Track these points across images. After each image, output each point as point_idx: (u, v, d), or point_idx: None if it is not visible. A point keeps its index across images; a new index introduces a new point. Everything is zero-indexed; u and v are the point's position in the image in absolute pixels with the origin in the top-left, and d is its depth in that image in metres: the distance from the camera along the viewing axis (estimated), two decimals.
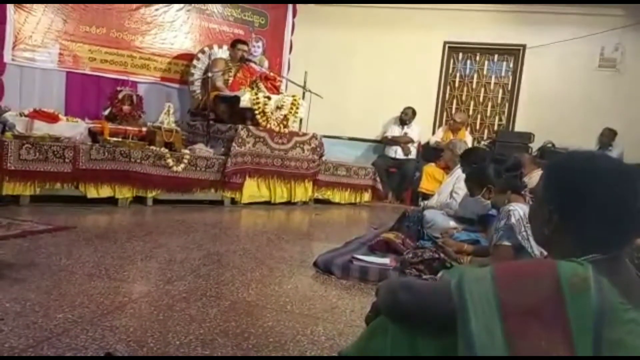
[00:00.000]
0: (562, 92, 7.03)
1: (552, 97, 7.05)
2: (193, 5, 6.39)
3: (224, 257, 3.06)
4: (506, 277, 1.00)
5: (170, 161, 4.50)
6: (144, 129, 5.03)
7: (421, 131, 7.34)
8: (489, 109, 7.68)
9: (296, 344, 1.93)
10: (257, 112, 5.23)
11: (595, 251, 1.02)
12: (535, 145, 6.80)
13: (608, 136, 6.56)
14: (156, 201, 4.54)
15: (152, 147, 4.56)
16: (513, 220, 2.73)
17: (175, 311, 2.12)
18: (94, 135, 4.81)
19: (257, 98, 5.24)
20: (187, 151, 4.78)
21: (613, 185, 1.06)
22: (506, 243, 2.75)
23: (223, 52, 6.30)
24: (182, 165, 4.58)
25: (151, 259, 2.87)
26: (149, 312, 2.10)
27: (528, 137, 6.92)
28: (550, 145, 6.52)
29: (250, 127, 5.14)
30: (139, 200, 4.48)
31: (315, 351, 1.88)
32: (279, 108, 5.38)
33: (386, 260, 3.13)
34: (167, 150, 4.56)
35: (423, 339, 1.11)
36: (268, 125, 5.30)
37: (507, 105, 7.57)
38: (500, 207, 2.91)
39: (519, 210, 2.74)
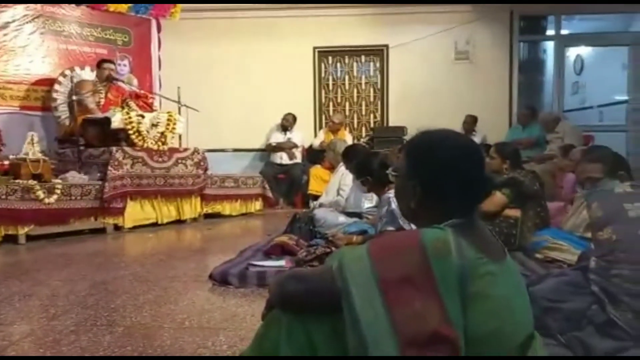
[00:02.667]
0: (426, 85, 7.56)
1: (418, 91, 7.55)
2: (47, 27, 5.98)
3: (112, 285, 2.91)
4: (379, 252, 1.09)
5: (40, 193, 4.17)
6: (6, 162, 4.61)
7: (303, 135, 7.50)
8: (363, 107, 8.04)
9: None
10: (131, 132, 5.02)
11: (453, 217, 1.14)
12: (409, 137, 7.23)
13: (470, 123, 7.16)
14: (30, 237, 4.17)
15: (17, 180, 4.20)
16: (393, 206, 2.90)
17: (64, 345, 1.98)
18: None
19: (130, 117, 5.03)
20: (58, 180, 4.46)
21: (462, 157, 1.20)
22: (390, 228, 2.92)
23: (87, 74, 5.98)
24: (55, 196, 4.27)
25: (31, 297, 2.65)
26: (34, 351, 1.96)
27: (401, 130, 7.34)
28: None
29: (126, 148, 4.92)
30: (9, 239, 4.10)
31: None
32: (154, 126, 5.21)
33: (282, 262, 3.17)
34: (35, 182, 4.22)
35: (315, 323, 1.15)
36: (145, 145, 5.11)
37: (379, 102, 7.97)
38: (381, 194, 3.10)
39: None
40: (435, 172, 1.20)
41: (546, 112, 6.85)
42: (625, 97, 7.08)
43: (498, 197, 3.60)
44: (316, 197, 6.07)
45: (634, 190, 2.00)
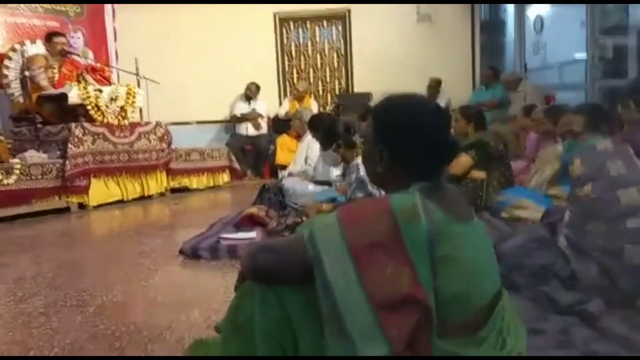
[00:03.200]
0: (389, 50, 7.51)
1: (382, 56, 7.49)
2: None
3: (81, 264, 2.86)
4: (349, 219, 1.09)
5: None
6: None
7: (268, 105, 7.41)
8: (327, 74, 7.97)
9: (172, 332, 1.88)
10: (89, 107, 4.85)
11: (421, 180, 1.15)
12: (374, 103, 7.22)
13: (434, 86, 7.18)
14: None
15: None
16: (362, 172, 2.92)
17: (34, 327, 1.95)
18: None
19: (87, 92, 4.86)
20: (16, 160, 4.30)
21: (428, 121, 1.21)
22: (359, 195, 2.94)
23: (38, 48, 5.69)
24: (14, 177, 4.13)
25: None
26: (3, 335, 1.91)
27: (367, 96, 7.31)
28: None
29: (86, 124, 4.76)
30: None
31: (194, 334, 1.85)
32: (113, 100, 5.05)
33: (253, 234, 3.16)
34: None
35: (288, 293, 1.15)
36: (105, 120, 4.96)
37: (343, 69, 7.91)
38: (349, 161, 3.10)
39: None
40: (402, 137, 1.20)
41: (508, 73, 6.93)
42: (584, 55, 7.21)
43: (464, 159, 3.65)
44: (284, 167, 6.05)
45: (615, 147, 2.03)
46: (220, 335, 1.40)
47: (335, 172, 4.03)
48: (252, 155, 7.10)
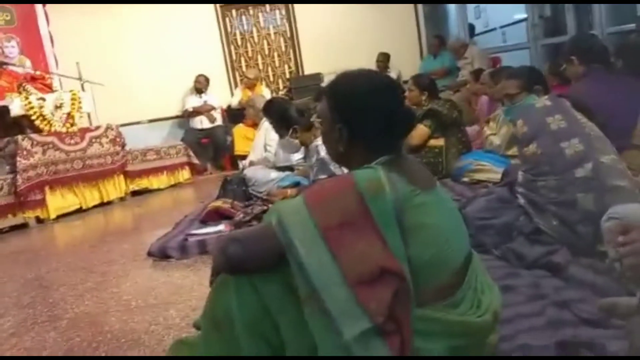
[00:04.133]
0: (335, 29, 7.48)
1: (329, 36, 7.46)
2: None
3: (46, 279, 2.77)
4: (315, 200, 1.10)
5: None
6: None
7: (220, 96, 7.29)
8: (276, 59, 7.89)
9: (151, 335, 1.87)
10: (34, 117, 4.67)
11: (382, 154, 1.17)
12: (326, 83, 7.21)
13: (383, 60, 7.22)
14: None
15: None
16: (322, 154, 2.93)
17: (6, 350, 1.90)
18: None
19: (30, 102, 4.67)
20: None
21: (382, 94, 1.23)
22: (322, 176, 2.95)
23: None
24: None
25: None
26: None
27: (318, 77, 7.30)
28: None
29: (33, 135, 4.58)
30: None
31: (173, 334, 1.85)
32: (58, 107, 4.87)
33: (220, 227, 3.14)
34: None
35: (263, 282, 1.15)
36: (52, 129, 4.78)
37: (291, 52, 7.84)
38: (308, 144, 3.10)
39: None
40: (358, 113, 1.22)
41: (453, 40, 7.03)
42: (524, 15, 7.35)
43: (421, 130, 3.71)
44: (244, 157, 5.98)
45: (552, 103, 2.09)
46: (200, 332, 1.39)
47: (296, 157, 4.03)
48: (210, 148, 6.99)
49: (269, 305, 1.15)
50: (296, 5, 7.60)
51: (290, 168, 4.07)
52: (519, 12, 7.61)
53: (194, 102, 7.09)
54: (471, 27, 7.64)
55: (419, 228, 1.10)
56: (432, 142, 3.78)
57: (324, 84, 7.19)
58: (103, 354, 1.76)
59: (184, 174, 6.09)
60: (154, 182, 5.68)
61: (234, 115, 7.14)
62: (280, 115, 3.32)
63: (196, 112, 7.02)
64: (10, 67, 5.31)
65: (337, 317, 1.01)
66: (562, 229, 1.96)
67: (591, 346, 1.27)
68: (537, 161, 2.03)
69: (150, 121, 7.27)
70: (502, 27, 8.12)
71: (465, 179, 3.49)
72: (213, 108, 7.07)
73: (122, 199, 5.27)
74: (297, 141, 3.23)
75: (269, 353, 1.17)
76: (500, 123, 3.63)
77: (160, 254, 2.87)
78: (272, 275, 1.15)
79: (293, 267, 1.06)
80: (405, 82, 4.25)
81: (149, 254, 2.91)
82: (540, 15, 6.82)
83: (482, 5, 8.63)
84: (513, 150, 3.46)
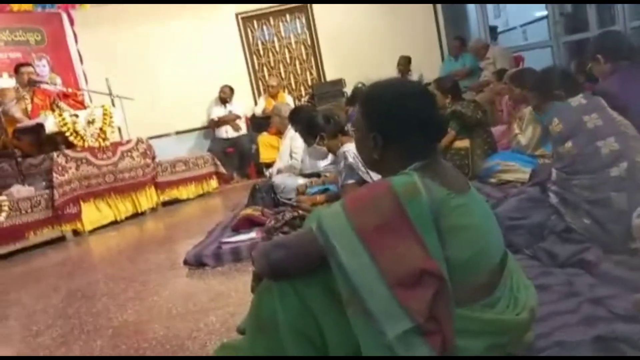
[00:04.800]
0: (355, 34, 7.53)
1: (349, 41, 7.51)
2: None
3: (88, 290, 2.87)
4: (353, 205, 1.15)
5: None
6: None
7: (244, 105, 7.42)
8: (298, 67, 7.98)
9: (194, 341, 1.93)
10: (68, 133, 4.82)
11: (416, 160, 1.21)
12: (348, 89, 7.27)
13: (404, 64, 7.24)
14: None
15: None
16: (350, 159, 2.97)
17: None
18: None
19: (63, 119, 4.82)
20: (3, 197, 4.27)
21: (415, 102, 1.27)
22: (351, 181, 2.99)
23: (6, 82, 5.63)
24: (4, 214, 4.10)
25: (8, 319, 2.60)
26: None
27: (340, 83, 7.37)
28: (360, 85, 7.02)
29: (67, 151, 4.74)
30: None
31: (215, 340, 1.91)
32: (90, 123, 5.03)
33: (253, 235, 3.21)
34: None
35: (305, 285, 1.20)
36: (85, 144, 4.94)
37: (312, 59, 7.92)
38: (336, 150, 3.15)
39: (352, 149, 2.99)
40: (391, 120, 1.26)
41: (475, 40, 7.01)
42: (544, 13, 7.30)
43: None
44: (269, 165, 6.07)
45: (588, 101, 2.10)
46: (245, 336, 1.45)
47: (323, 163, 4.08)
48: (236, 157, 7.11)
49: (312, 308, 1.20)
50: (316, 13, 7.68)
51: (317, 174, 4.13)
52: (540, 9, 7.56)
53: (219, 112, 7.23)
54: (493, 29, 7.59)
55: (456, 230, 1.14)
56: (458, 143, 3.79)
57: (346, 89, 7.26)
58: None
59: (212, 184, 6.21)
60: (183, 192, 5.81)
61: (258, 123, 7.25)
62: (307, 123, 3.36)
63: (222, 121, 7.15)
64: (43, 86, 5.49)
65: (379, 318, 1.05)
66: (594, 228, 1.97)
67: (628, 341, 1.29)
68: (572, 160, 2.04)
69: (178, 133, 7.44)
70: (522, 25, 8.07)
71: (493, 180, 3.50)
72: (238, 117, 7.19)
73: (153, 209, 5.40)
74: (324, 148, 3.27)
75: (312, 353, 1.22)
76: (526, 123, 3.63)
77: (196, 262, 2.95)
78: (313, 279, 1.20)
79: (334, 270, 1.10)
80: (428, 84, 4.26)
81: (185, 262, 3.00)
82: (561, 12, 6.77)
83: (502, 5, 8.59)
84: (540, 151, 3.47)
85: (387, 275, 1.06)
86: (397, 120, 1.25)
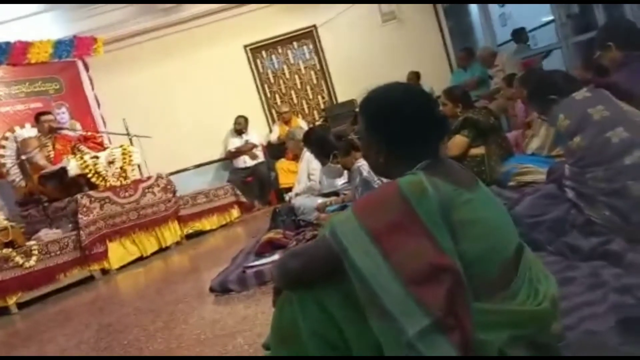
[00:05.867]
0: (363, 54, 7.62)
1: (357, 62, 7.59)
2: None
3: (119, 324, 2.91)
4: (363, 208, 1.16)
5: (18, 259, 4.10)
6: None
7: (259, 134, 7.54)
8: (309, 92, 8.09)
9: None
10: (90, 175, 4.96)
11: (420, 160, 1.22)
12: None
13: (414, 79, 7.28)
14: (21, 305, 4.09)
15: None
16: (364, 173, 3.00)
17: None
18: None
19: (85, 161, 4.97)
20: (32, 242, 4.38)
21: (413, 102, 1.29)
22: None
23: (28, 131, 5.83)
24: (34, 258, 4.20)
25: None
26: None
27: (351, 103, 7.41)
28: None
29: (90, 192, 4.86)
30: (0, 311, 4.01)
31: None
32: (111, 163, 5.16)
33: (276, 257, 3.23)
34: (10, 250, 4.13)
35: (324, 292, 1.21)
36: (107, 184, 5.06)
37: (322, 83, 8.03)
38: (350, 167, 3.18)
39: (365, 163, 3.01)
40: (393, 123, 1.28)
41: (482, 49, 7.03)
42: (550, 17, 7.30)
43: (459, 140, 3.72)
44: (288, 190, 6.12)
45: (592, 94, 2.10)
46: (270, 351, 1.46)
47: (340, 182, 4.11)
48: (256, 185, 7.19)
49: (333, 315, 1.20)
50: (322, 37, 7.81)
51: (335, 193, 4.16)
52: (545, 14, 7.57)
53: (236, 142, 7.34)
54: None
55: (467, 224, 1.14)
56: (473, 151, 3.78)
57: (357, 109, 7.30)
58: None
59: (234, 213, 6.27)
60: (206, 223, 5.88)
61: (275, 150, 7.35)
62: (320, 142, 3.42)
63: (239, 152, 7.26)
64: (64, 132, 5.67)
65: (397, 317, 1.05)
66: (614, 218, 1.95)
67: None
68: (583, 153, 2.03)
69: (196, 166, 7.56)
70: (530, 30, 8.06)
71: (512, 183, 3.47)
72: (255, 146, 7.29)
73: (178, 243, 5.47)
74: (339, 166, 3.32)
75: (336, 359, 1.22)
76: (538, 125, 3.61)
77: (221, 289, 2.97)
78: (332, 286, 1.21)
79: (350, 274, 1.11)
80: (438, 97, 4.28)
81: (211, 289, 3.03)
82: (568, 14, 6.76)
83: (507, 12, 8.61)
84: (556, 151, 3.44)
85: (401, 274, 1.07)
86: (397, 122, 1.27)
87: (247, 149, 7.26)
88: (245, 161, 7.26)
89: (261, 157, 7.32)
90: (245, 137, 7.35)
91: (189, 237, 5.68)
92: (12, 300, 4.04)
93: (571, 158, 2.11)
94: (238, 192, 6.41)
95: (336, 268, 1.14)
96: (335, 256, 1.13)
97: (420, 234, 1.09)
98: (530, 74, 3.67)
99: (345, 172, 3.61)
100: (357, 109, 6.80)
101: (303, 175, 4.81)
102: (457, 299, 1.07)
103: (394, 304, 1.06)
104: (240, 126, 7.34)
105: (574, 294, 1.62)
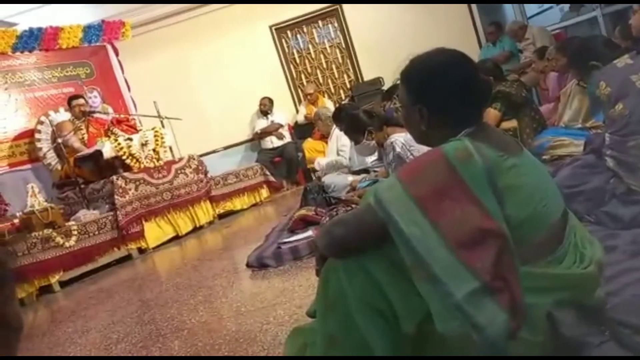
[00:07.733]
0: (388, 31, 7.54)
1: (382, 39, 7.52)
2: (9, 81, 5.97)
3: (160, 299, 3.01)
4: (408, 175, 1.17)
5: (59, 239, 4.24)
6: (16, 220, 4.67)
7: (286, 114, 7.57)
8: (335, 71, 8.06)
9: (265, 333, 2.00)
10: (124, 157, 5.08)
11: (463, 127, 1.23)
12: (387, 87, 7.25)
13: None
14: (62, 283, 4.26)
15: (33, 233, 4.26)
16: (398, 149, 3.00)
17: None
18: None
19: (119, 144, 5.08)
20: (72, 222, 4.53)
21: (455, 69, 1.28)
22: None
23: (62, 115, 5.98)
24: (74, 238, 4.35)
25: (89, 332, 2.75)
26: None
27: (378, 81, 7.39)
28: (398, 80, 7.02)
29: (125, 174, 4.98)
30: (44, 290, 4.17)
31: (285, 331, 1.97)
32: (144, 145, 5.27)
33: (310, 233, 3.28)
34: (50, 230, 4.28)
35: (370, 260, 1.22)
36: (141, 165, 5.17)
37: (348, 62, 7.98)
38: (383, 143, 3.18)
39: (399, 139, 3.01)
40: (434, 90, 1.28)
41: (512, 22, 6.89)
42: None
43: (492, 113, 3.68)
44: (316, 171, 6.15)
45: (634, 61, 2.05)
46: (316, 318, 1.50)
47: (371, 159, 4.12)
48: (284, 165, 7.24)
49: (379, 281, 1.21)
50: (347, 16, 7.75)
51: (366, 171, 4.17)
52: None
53: (262, 124, 7.39)
54: None
55: (513, 189, 1.14)
56: (505, 124, 3.73)
57: (384, 87, 7.26)
58: (226, 353, 1.92)
59: (263, 193, 6.35)
60: (237, 203, 5.97)
61: (301, 130, 7.37)
62: (351, 120, 3.42)
63: (265, 132, 7.31)
64: (96, 115, 5.79)
65: (445, 280, 1.06)
66: None
67: None
68: (625, 121, 1.99)
69: (225, 148, 7.65)
70: (559, 2, 7.84)
71: (546, 157, 3.42)
72: (281, 126, 7.33)
73: (211, 222, 5.58)
74: (373, 142, 3.32)
75: (383, 325, 1.23)
76: (572, 97, 3.55)
77: (258, 264, 3.04)
78: (377, 253, 1.22)
79: (396, 240, 1.12)
80: None
81: (248, 265, 3.10)
82: None
83: None
84: (591, 122, 3.37)
85: (448, 239, 1.07)
86: (439, 89, 1.27)
87: (273, 130, 7.30)
88: (272, 142, 7.30)
89: (288, 138, 7.36)
90: (271, 117, 7.39)
91: (221, 216, 5.79)
92: (54, 279, 4.19)
93: (613, 126, 2.07)
94: (267, 172, 6.47)
95: (382, 235, 1.15)
96: (380, 223, 1.14)
97: (467, 200, 1.10)
98: (569, 40, 3.58)
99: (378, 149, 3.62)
100: (383, 87, 6.76)
101: (332, 152, 4.83)
102: (505, 263, 1.07)
103: (442, 267, 1.07)
104: (265, 107, 7.38)
105: (615, 261, 1.62)
